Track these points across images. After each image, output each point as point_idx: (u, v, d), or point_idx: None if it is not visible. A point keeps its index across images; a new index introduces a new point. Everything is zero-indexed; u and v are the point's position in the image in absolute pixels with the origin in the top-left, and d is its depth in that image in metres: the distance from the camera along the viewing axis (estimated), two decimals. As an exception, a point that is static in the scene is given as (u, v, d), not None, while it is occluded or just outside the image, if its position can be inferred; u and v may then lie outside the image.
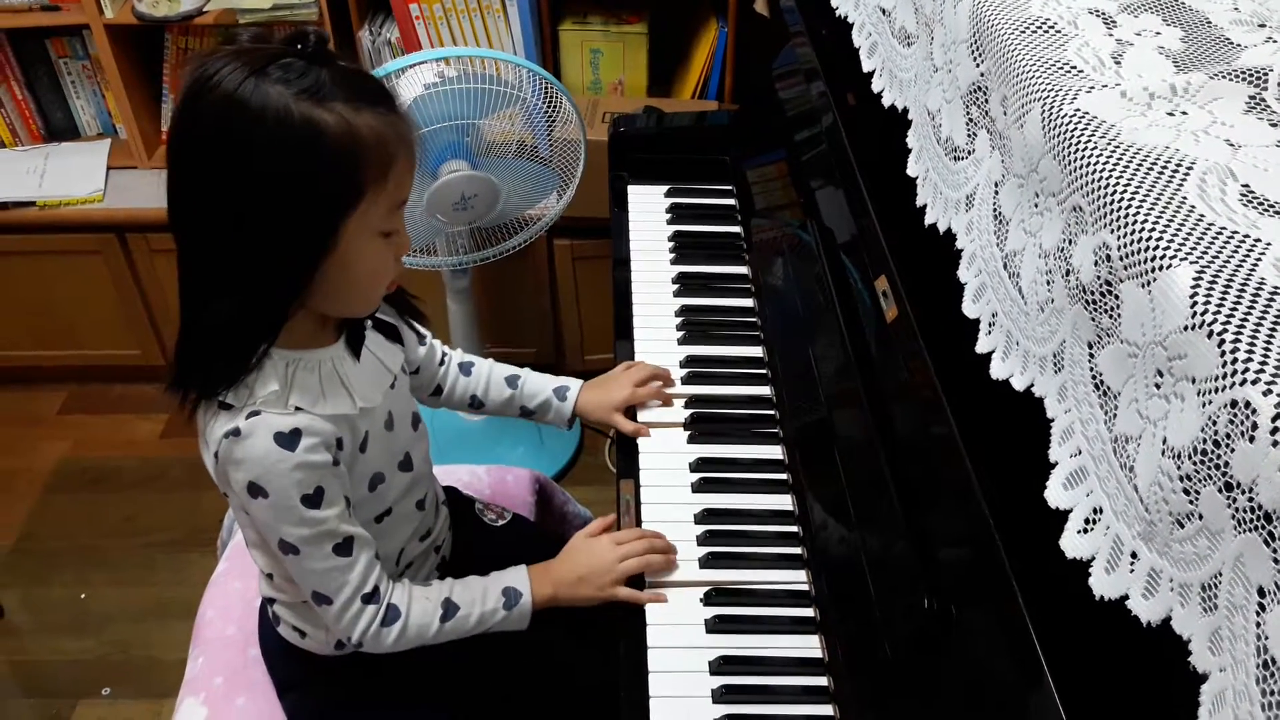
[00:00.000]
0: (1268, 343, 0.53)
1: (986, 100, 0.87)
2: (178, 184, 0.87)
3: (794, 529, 1.15)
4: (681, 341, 1.38)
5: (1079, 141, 0.70)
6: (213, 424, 0.92)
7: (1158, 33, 0.81)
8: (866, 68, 1.19)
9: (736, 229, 1.57)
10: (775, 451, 1.24)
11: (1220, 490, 0.54)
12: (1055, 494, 0.71)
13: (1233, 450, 0.53)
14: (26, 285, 2.24)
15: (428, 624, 1.04)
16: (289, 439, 0.90)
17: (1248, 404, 0.52)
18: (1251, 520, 0.51)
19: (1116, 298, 0.64)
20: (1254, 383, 0.52)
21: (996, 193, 0.84)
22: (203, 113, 0.84)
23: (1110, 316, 0.65)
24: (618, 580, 1.08)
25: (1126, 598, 0.62)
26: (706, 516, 1.16)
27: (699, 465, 1.22)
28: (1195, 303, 0.57)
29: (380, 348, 1.04)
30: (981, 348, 0.84)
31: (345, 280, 0.91)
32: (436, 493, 1.19)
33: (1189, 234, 0.61)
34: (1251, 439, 0.51)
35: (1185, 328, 0.57)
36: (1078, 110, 0.72)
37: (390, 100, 0.89)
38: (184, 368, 0.91)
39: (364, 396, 0.98)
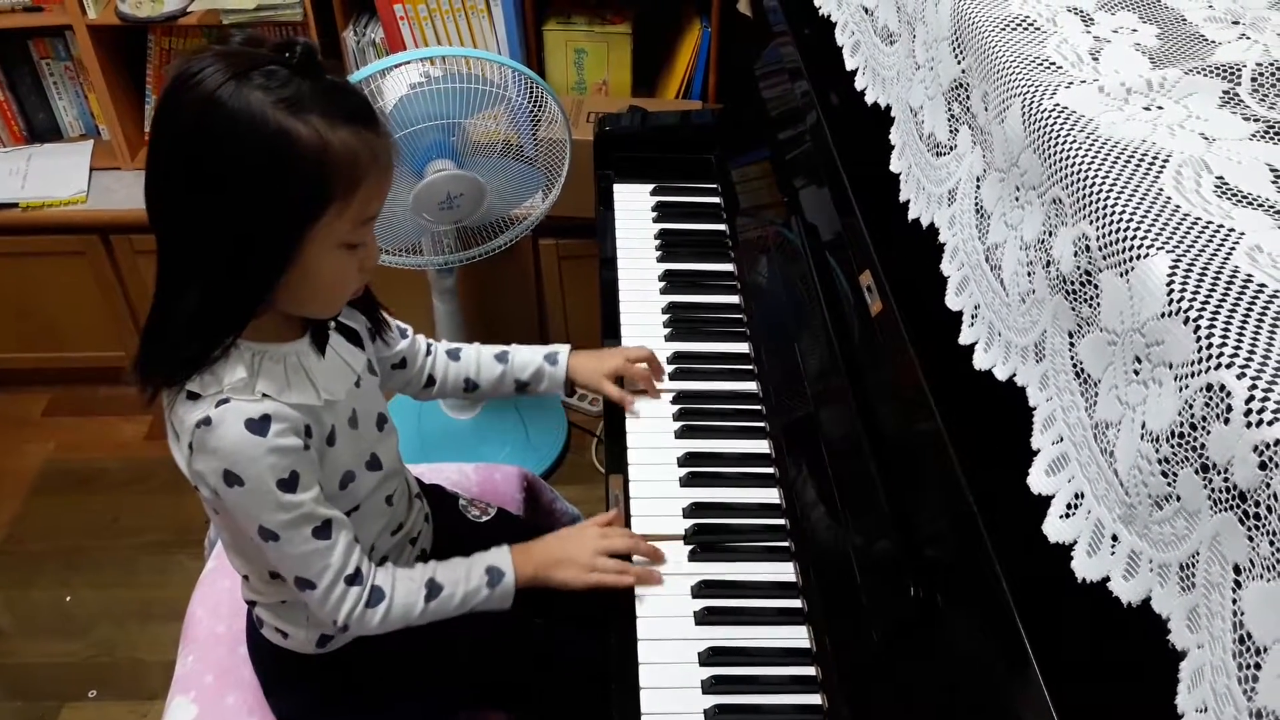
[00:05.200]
0: (1241, 328, 0.55)
1: (968, 96, 0.88)
2: (153, 175, 0.90)
3: (781, 522, 1.17)
4: (669, 338, 1.39)
5: (1058, 136, 0.71)
6: (182, 414, 0.92)
7: (1134, 30, 0.83)
8: (849, 66, 1.20)
9: (722, 227, 1.58)
10: (762, 445, 1.25)
11: (1197, 471, 0.55)
12: (1038, 480, 0.72)
13: (1209, 432, 0.54)
14: (9, 287, 2.23)
15: (413, 604, 1.05)
16: (259, 425, 0.91)
17: (1222, 387, 0.53)
18: (1227, 500, 0.53)
19: (1096, 287, 0.66)
20: (1228, 366, 0.53)
21: (978, 187, 0.86)
22: (181, 108, 0.85)
23: (1090, 306, 0.67)
24: (592, 569, 1.09)
25: (1108, 580, 0.64)
26: (695, 510, 1.18)
27: (687, 460, 1.23)
28: (1172, 290, 0.58)
29: (343, 348, 1.05)
30: (965, 339, 0.85)
31: (307, 286, 0.92)
32: (409, 487, 1.20)
33: (1165, 224, 0.62)
34: (1226, 421, 0.53)
35: (1162, 315, 0.58)
36: (1057, 105, 0.74)
37: (371, 118, 0.90)
38: (148, 352, 0.93)
39: (328, 390, 0.99)
